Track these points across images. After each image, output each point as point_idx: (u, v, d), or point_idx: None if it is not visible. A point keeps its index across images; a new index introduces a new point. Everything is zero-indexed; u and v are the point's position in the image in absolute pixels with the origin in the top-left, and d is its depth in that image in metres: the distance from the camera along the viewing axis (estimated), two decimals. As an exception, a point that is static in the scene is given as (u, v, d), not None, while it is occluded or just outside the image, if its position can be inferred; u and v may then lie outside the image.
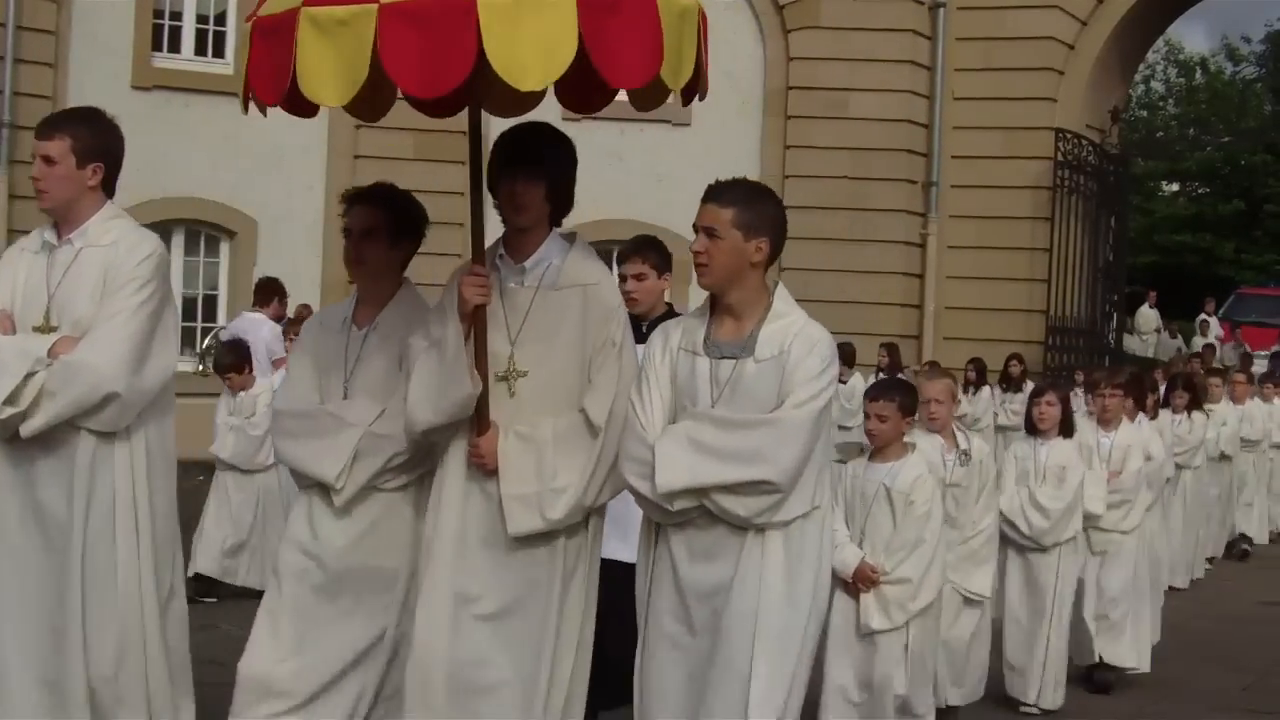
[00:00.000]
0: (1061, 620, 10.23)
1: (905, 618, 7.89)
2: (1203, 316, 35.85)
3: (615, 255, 7.82)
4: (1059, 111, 23.23)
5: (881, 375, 18.63)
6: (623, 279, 7.94)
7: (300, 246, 22.19)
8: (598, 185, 23.17)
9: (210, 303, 22.41)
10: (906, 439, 8.26)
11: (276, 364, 14.77)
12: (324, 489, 6.26)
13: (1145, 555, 11.25)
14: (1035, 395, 10.57)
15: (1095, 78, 23.80)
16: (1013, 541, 10.16)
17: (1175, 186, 54.99)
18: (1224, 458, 17.41)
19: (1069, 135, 23.04)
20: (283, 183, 22.30)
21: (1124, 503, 10.87)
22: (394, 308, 6.75)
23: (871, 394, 8.30)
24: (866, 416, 8.20)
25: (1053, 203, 22.96)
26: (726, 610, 5.61)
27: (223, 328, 19.56)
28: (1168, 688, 11.07)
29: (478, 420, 5.95)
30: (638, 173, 23.33)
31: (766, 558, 5.63)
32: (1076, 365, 21.81)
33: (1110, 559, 10.86)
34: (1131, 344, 33.14)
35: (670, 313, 7.85)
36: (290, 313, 17.76)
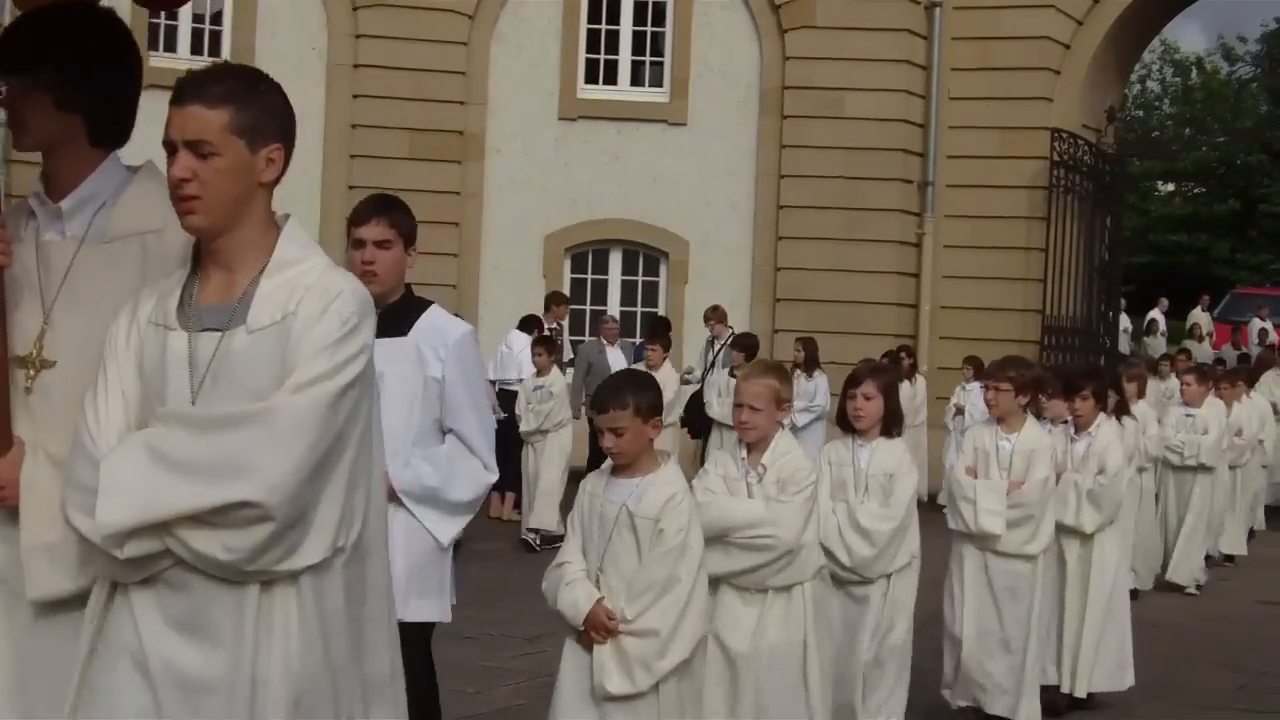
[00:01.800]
0: (887, 666, 8.24)
1: (651, 680, 6.00)
2: (1152, 315, 35.56)
3: (348, 216, 6.54)
4: (1055, 111, 23.23)
5: (798, 371, 18.51)
6: (359, 244, 6.39)
7: (296, 246, 22.16)
8: (594, 184, 23.31)
9: (206, 302, 22.40)
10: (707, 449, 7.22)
11: None
12: None
13: (1085, 582, 10.14)
14: (850, 385, 8.41)
15: (1091, 77, 23.80)
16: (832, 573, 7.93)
17: (1171, 186, 55.02)
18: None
19: (1065, 135, 23.04)
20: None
21: (1027, 519, 9.20)
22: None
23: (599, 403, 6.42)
24: (600, 431, 6.31)
25: (1048, 202, 22.95)
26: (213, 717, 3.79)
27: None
28: (1162, 687, 11.07)
29: None
30: (634, 172, 23.33)
31: (273, 631, 3.82)
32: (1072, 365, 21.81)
33: (1009, 593, 9.21)
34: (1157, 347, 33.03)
35: (410, 299, 6.50)
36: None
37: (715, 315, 20.66)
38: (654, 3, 23.69)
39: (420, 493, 6.06)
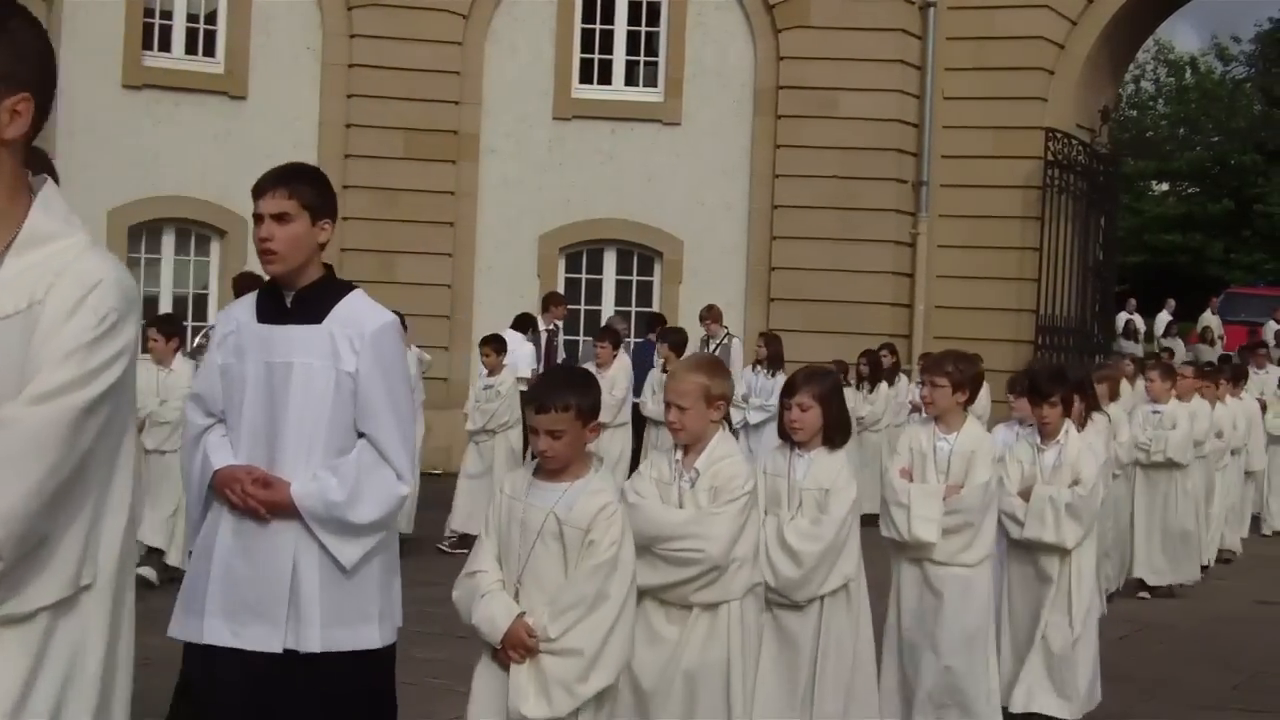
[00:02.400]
0: (828, 699, 7.55)
1: (571, 705, 5.55)
2: (1127, 315, 35.35)
3: (252, 188, 5.89)
4: (1049, 111, 23.24)
5: (760, 368, 18.50)
6: (258, 220, 5.69)
7: (290, 246, 22.16)
8: (588, 184, 23.32)
9: (201, 302, 22.39)
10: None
11: None
12: None
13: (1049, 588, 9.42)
14: (786, 393, 7.72)
15: (1085, 77, 23.82)
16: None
17: (1165, 186, 55.07)
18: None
19: (1059, 135, 23.05)
20: (273, 182, 22.25)
21: (965, 526, 8.48)
22: None
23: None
24: (535, 431, 5.78)
25: (1043, 202, 22.96)
26: None
27: (212, 327, 19.51)
28: (1158, 687, 11.08)
29: None
30: (628, 172, 23.33)
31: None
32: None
33: (944, 605, 8.48)
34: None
35: (328, 282, 5.69)
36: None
37: (710, 315, 20.64)
38: (648, 2, 23.68)
39: (322, 510, 5.41)
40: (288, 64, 22.50)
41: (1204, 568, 16.18)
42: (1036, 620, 9.35)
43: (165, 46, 22.29)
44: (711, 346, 20.15)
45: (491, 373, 16.50)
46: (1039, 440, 9.52)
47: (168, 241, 22.38)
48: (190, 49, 22.41)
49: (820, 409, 7.50)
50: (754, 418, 18.10)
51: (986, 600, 8.65)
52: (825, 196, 22.81)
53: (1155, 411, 15.06)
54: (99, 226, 21.55)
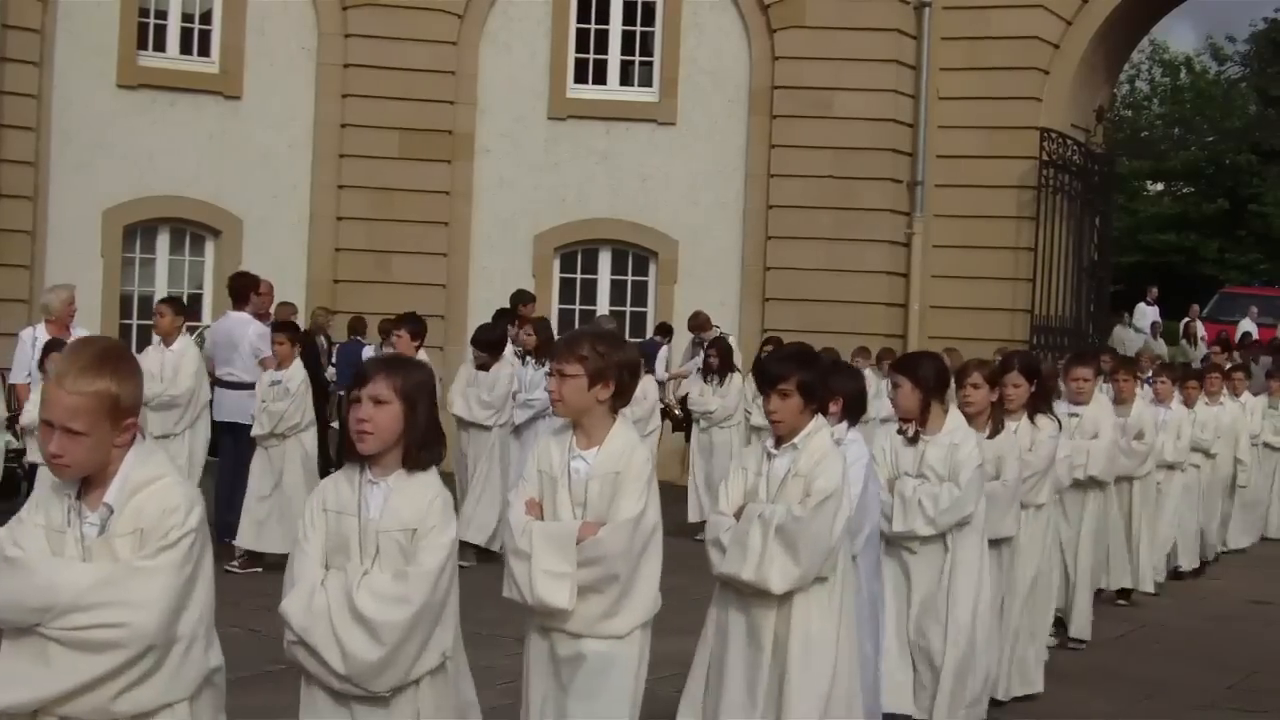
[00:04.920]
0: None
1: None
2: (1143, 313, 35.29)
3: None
4: (1044, 111, 23.25)
5: (714, 379, 18.18)
6: None
7: (285, 245, 22.17)
8: (583, 184, 23.32)
9: (195, 302, 22.37)
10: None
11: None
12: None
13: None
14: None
15: (1080, 77, 23.83)
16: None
17: (1160, 186, 55.10)
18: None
19: (1054, 135, 23.06)
20: (268, 182, 22.28)
21: (607, 581, 6.40)
22: None
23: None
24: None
25: (1037, 202, 22.97)
26: None
27: (207, 327, 19.53)
28: (1152, 686, 11.08)
29: None
30: (624, 171, 23.33)
31: None
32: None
33: (573, 691, 6.75)
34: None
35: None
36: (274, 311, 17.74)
37: (695, 322, 20.78)
38: (643, 2, 23.68)
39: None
40: (283, 64, 22.48)
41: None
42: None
43: (160, 46, 22.26)
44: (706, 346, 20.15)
45: (281, 365, 14.37)
46: (770, 444, 7.07)
47: (162, 241, 22.36)
48: (185, 49, 22.39)
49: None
50: (520, 416, 16.20)
51: (632, 687, 6.25)
52: (820, 196, 22.82)
53: (1072, 414, 12.06)
54: (94, 226, 21.56)
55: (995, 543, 9.11)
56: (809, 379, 6.93)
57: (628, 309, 23.61)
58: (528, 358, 15.87)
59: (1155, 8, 26.04)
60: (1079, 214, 24.06)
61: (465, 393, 15.27)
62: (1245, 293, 39.39)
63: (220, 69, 22.40)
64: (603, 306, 23.44)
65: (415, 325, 14.95)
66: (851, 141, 22.88)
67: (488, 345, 15.43)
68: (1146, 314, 34.98)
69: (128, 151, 21.55)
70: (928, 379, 8.54)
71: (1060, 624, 11.90)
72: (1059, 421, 10.29)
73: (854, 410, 7.95)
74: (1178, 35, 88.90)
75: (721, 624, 6.99)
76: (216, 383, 15.70)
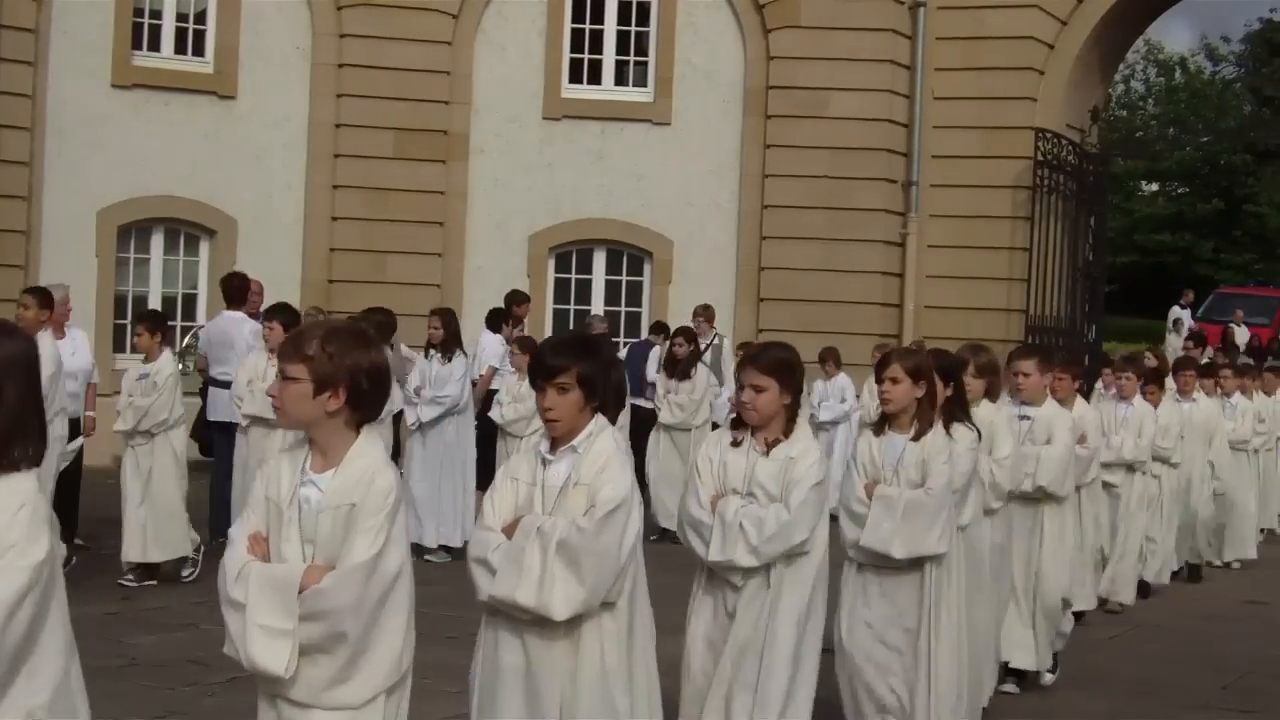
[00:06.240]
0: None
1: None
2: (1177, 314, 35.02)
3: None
4: (1039, 111, 23.25)
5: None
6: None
7: (280, 245, 22.15)
8: (578, 184, 23.31)
9: (190, 302, 22.36)
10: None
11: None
12: None
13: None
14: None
15: (1075, 77, 23.82)
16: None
17: (1155, 186, 55.16)
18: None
19: (1049, 135, 23.06)
20: (263, 182, 22.27)
21: (334, 640, 5.56)
22: None
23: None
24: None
25: (1032, 202, 22.97)
26: None
27: (201, 326, 19.51)
28: (1147, 686, 11.09)
29: None
30: (618, 172, 23.32)
31: None
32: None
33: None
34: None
35: None
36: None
37: (704, 315, 20.65)
38: (638, 2, 23.66)
39: None
40: (277, 64, 22.46)
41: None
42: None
43: (155, 46, 22.24)
44: (703, 346, 20.13)
45: (147, 358, 13.45)
46: (545, 447, 6.09)
47: (156, 241, 22.34)
48: (180, 48, 22.36)
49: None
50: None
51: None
52: (815, 196, 22.82)
53: (1023, 417, 10.72)
54: (88, 226, 21.54)
55: (917, 562, 8.03)
56: (590, 371, 5.94)
57: (622, 309, 23.61)
58: (432, 351, 15.41)
59: (1150, 8, 26.04)
60: (1074, 214, 24.05)
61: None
62: (1239, 293, 39.41)
63: (215, 69, 22.37)
64: (597, 306, 23.43)
65: (286, 317, 13.69)
66: (846, 141, 22.87)
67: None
68: (1183, 318, 34.67)
69: (122, 151, 21.53)
70: (793, 378, 7.23)
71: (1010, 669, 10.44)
72: (978, 431, 8.78)
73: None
74: (1173, 35, 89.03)
75: (491, 663, 5.95)
76: (212, 382, 15.69)
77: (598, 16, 23.63)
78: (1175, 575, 15.80)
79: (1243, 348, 31.60)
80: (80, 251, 21.30)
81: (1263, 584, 16.32)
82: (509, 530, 5.82)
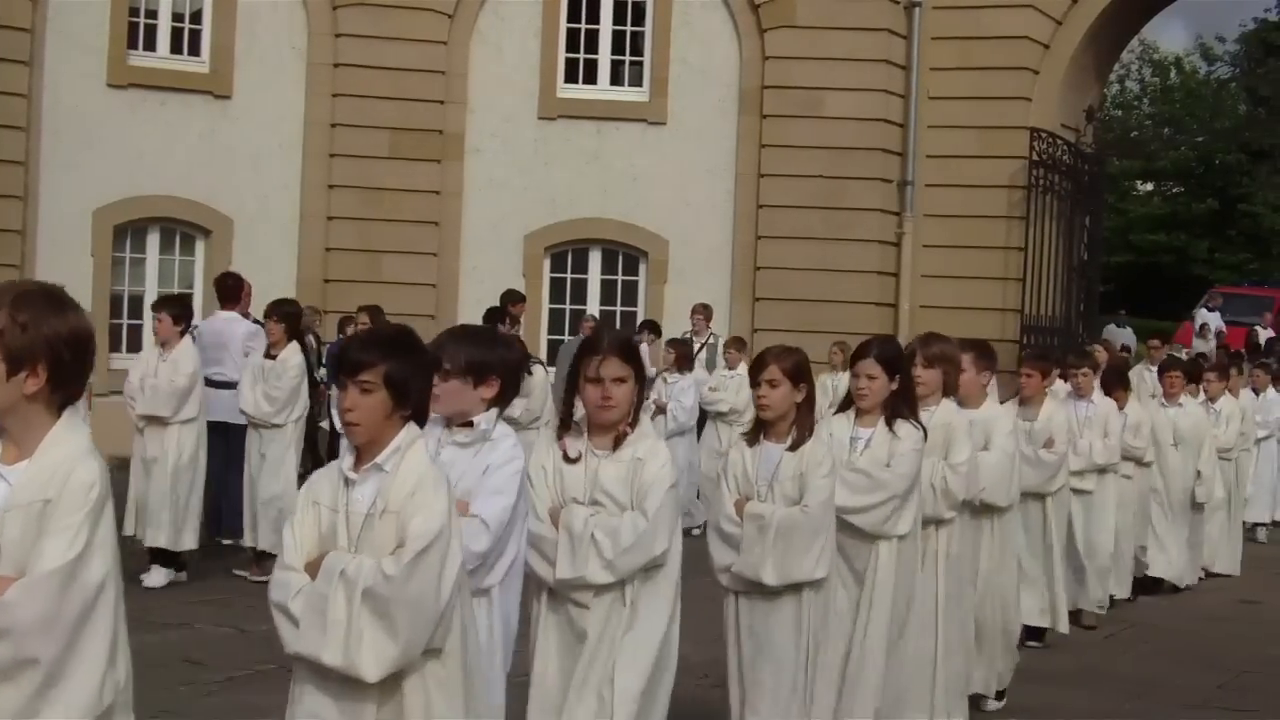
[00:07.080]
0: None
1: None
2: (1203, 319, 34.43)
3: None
4: (1034, 111, 23.25)
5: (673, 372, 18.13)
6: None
7: (276, 245, 22.15)
8: (574, 184, 23.31)
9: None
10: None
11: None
12: None
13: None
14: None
15: (1070, 77, 23.84)
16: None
17: (1150, 186, 55.12)
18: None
19: (1044, 135, 23.06)
20: (259, 181, 22.27)
21: (24, 665, 4.85)
22: None
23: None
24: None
25: (1027, 202, 22.98)
26: None
27: (195, 326, 19.46)
28: (1143, 685, 11.09)
29: None
30: (613, 172, 23.32)
31: None
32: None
33: None
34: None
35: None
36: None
37: (703, 313, 20.62)
38: (633, 2, 23.67)
39: None
40: (273, 63, 22.46)
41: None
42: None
43: (150, 46, 22.24)
44: (698, 345, 20.16)
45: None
46: (348, 465, 5.37)
47: (152, 241, 22.33)
48: (175, 48, 22.36)
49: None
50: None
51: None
52: (810, 196, 22.83)
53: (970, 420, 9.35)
54: (84, 226, 21.54)
55: (796, 587, 7.17)
56: (399, 372, 5.10)
57: (618, 309, 23.61)
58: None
59: (1145, 8, 26.06)
60: (1069, 214, 24.06)
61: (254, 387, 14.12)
62: (1234, 292, 39.39)
63: (210, 68, 22.37)
64: (593, 306, 23.44)
65: (176, 309, 13.68)
66: (842, 141, 22.88)
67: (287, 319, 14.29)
68: (1210, 321, 33.77)
69: (118, 151, 21.52)
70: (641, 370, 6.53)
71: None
72: (924, 430, 8.02)
73: (508, 394, 6.12)
74: (1168, 35, 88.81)
75: None
76: (206, 382, 15.65)
77: (593, 16, 23.63)
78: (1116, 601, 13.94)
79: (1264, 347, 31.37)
80: (76, 251, 21.29)
81: (1258, 584, 16.32)
82: (312, 568, 5.00)
